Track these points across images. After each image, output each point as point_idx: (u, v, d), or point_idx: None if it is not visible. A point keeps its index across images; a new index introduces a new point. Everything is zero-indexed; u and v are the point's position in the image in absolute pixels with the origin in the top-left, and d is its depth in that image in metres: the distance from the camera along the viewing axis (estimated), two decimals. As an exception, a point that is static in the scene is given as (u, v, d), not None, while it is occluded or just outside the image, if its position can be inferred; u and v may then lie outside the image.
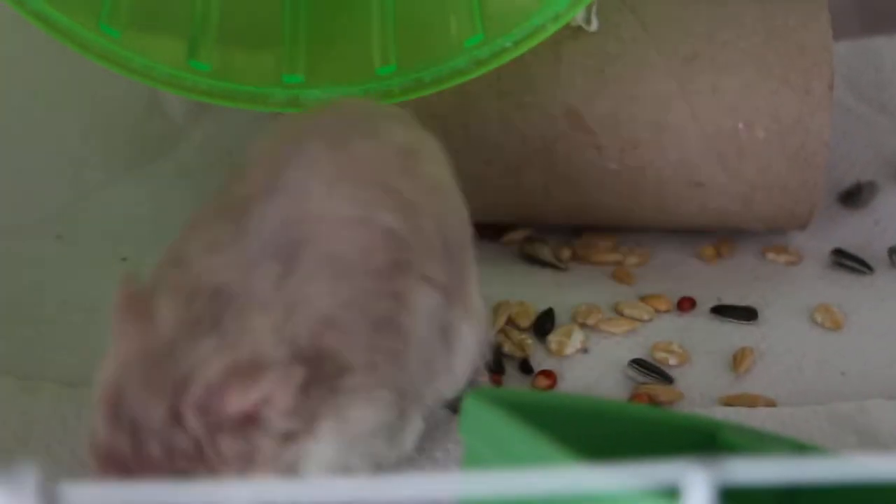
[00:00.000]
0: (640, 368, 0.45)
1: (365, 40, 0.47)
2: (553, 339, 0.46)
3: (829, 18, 0.50)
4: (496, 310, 0.47)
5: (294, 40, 0.48)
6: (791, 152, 0.49)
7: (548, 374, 0.45)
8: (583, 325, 0.47)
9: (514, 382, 0.45)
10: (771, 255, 0.52)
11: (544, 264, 0.51)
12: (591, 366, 0.45)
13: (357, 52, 0.47)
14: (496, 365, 0.45)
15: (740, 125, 0.49)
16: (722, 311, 0.48)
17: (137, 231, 0.52)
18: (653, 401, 0.44)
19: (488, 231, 0.53)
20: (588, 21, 0.50)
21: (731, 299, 0.49)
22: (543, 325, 0.47)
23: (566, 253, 0.52)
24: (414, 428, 0.39)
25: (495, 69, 0.47)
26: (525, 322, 0.47)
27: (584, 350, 0.46)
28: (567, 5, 0.45)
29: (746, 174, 0.50)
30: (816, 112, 0.49)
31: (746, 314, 0.48)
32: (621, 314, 0.48)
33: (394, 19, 0.48)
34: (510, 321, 0.47)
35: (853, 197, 0.55)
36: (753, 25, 0.50)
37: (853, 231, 0.53)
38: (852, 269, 0.51)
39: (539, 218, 0.52)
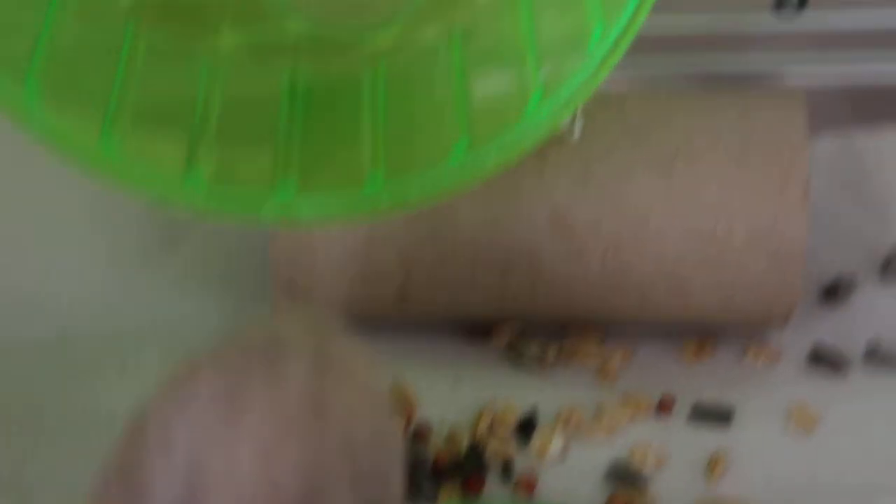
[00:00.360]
0: (617, 473, 0.47)
1: (354, 144, 0.49)
2: (535, 442, 0.48)
3: (805, 121, 0.51)
4: (482, 410, 0.49)
5: (288, 144, 0.49)
6: (769, 253, 0.51)
7: (528, 482, 0.46)
8: (565, 427, 0.48)
9: (496, 486, 0.46)
10: (751, 354, 0.53)
11: (531, 363, 0.53)
12: (571, 469, 0.47)
13: (346, 156, 0.49)
14: (479, 467, 0.47)
15: (719, 227, 0.51)
16: (699, 414, 0.50)
17: (139, 336, 0.53)
18: (629, 506, 0.45)
19: (477, 331, 0.55)
20: (571, 127, 0.51)
21: (710, 397, 0.50)
22: (526, 426, 0.48)
23: (552, 351, 0.53)
24: None
25: (483, 177, 0.49)
26: (509, 423, 0.48)
27: (565, 454, 0.48)
28: (547, 118, 0.46)
29: (726, 274, 0.51)
30: (792, 214, 0.51)
31: (722, 417, 0.49)
32: (603, 416, 0.49)
33: (384, 123, 0.50)
34: (495, 422, 0.49)
35: (833, 293, 0.56)
36: (731, 130, 0.52)
37: (832, 327, 0.55)
38: (829, 368, 0.53)
39: (526, 317, 0.54)
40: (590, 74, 0.46)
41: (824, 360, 0.53)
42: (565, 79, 0.46)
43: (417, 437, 0.48)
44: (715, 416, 0.49)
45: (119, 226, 0.57)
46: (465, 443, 0.48)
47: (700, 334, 0.54)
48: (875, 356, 0.53)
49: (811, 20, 0.58)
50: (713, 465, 0.47)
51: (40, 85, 0.45)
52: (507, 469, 0.47)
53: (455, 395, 0.50)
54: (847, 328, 0.55)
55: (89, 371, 0.51)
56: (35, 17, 0.48)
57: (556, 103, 0.46)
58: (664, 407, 0.50)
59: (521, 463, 0.47)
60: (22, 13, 0.48)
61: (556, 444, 0.47)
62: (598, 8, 0.46)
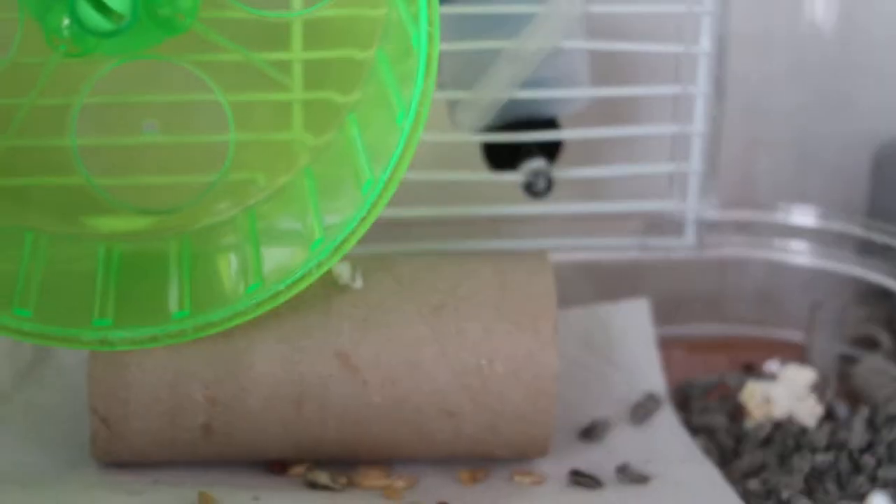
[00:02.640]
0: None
1: (163, 292, 0.57)
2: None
3: (552, 273, 0.60)
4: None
5: (105, 294, 0.57)
6: (526, 383, 0.59)
7: None
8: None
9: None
10: (518, 478, 0.61)
11: (324, 489, 0.59)
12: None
13: (156, 301, 0.56)
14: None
15: (483, 361, 0.59)
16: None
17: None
18: None
19: (275, 466, 0.61)
20: (353, 279, 0.60)
21: (484, 505, 0.58)
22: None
23: (343, 479, 0.60)
24: None
25: (276, 318, 0.57)
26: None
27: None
28: (327, 256, 0.55)
29: (490, 404, 0.59)
30: (545, 349, 0.59)
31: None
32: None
33: (189, 276, 0.57)
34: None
35: (590, 433, 0.64)
36: (489, 280, 0.60)
37: (589, 457, 0.63)
38: (586, 486, 0.60)
39: (318, 452, 0.60)
40: (361, 218, 0.55)
41: (582, 480, 0.60)
42: (342, 224, 0.55)
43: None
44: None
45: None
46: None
47: (474, 464, 0.62)
48: (625, 474, 0.61)
49: (555, 205, 0.69)
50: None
51: None
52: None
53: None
54: (602, 458, 0.62)
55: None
56: None
57: (333, 245, 0.55)
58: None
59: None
60: None
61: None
62: (368, 165, 0.55)
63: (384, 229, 0.62)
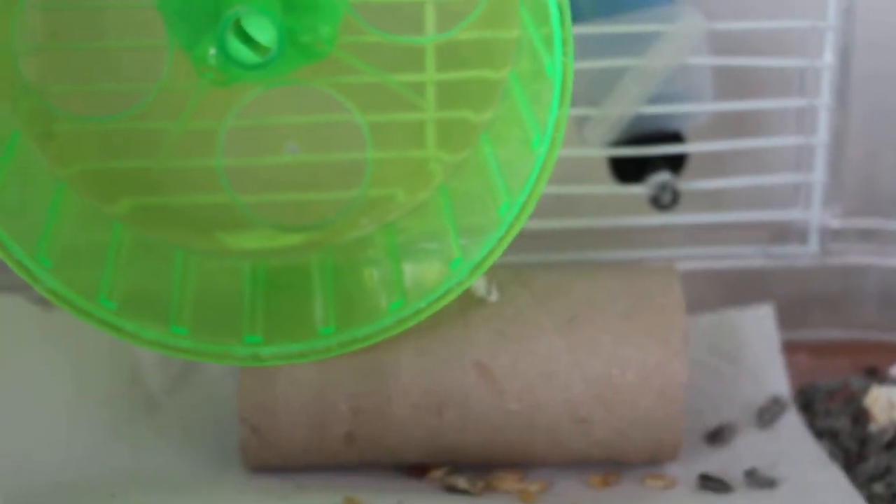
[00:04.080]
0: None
1: (309, 308, 0.60)
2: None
3: (679, 285, 0.63)
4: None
5: (253, 310, 0.60)
6: (656, 391, 0.61)
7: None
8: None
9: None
10: (649, 481, 0.63)
11: (461, 493, 0.62)
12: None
13: (303, 316, 0.59)
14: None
15: (614, 371, 0.61)
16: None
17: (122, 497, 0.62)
18: None
19: (414, 471, 0.64)
20: (489, 293, 0.62)
21: (616, 510, 0.60)
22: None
23: (480, 484, 0.62)
24: None
25: (417, 331, 0.60)
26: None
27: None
28: (466, 275, 0.57)
29: (621, 411, 0.61)
30: (674, 359, 0.61)
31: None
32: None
33: (332, 292, 0.60)
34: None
35: (717, 436, 0.66)
36: (621, 293, 0.63)
37: (717, 461, 0.65)
38: (716, 490, 0.62)
39: (457, 457, 0.63)
40: (499, 239, 0.57)
41: (711, 484, 0.62)
42: (480, 244, 0.58)
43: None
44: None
45: (100, 397, 0.66)
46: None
47: (605, 468, 0.64)
48: (753, 477, 0.63)
49: (681, 216, 0.71)
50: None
51: (46, 258, 0.56)
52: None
53: (399, 509, 0.59)
54: (729, 462, 0.64)
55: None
56: (41, 208, 0.59)
57: (472, 265, 0.58)
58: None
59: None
60: (29, 206, 0.58)
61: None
62: (504, 186, 0.58)
63: (517, 240, 0.64)
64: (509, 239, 0.57)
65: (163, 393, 0.68)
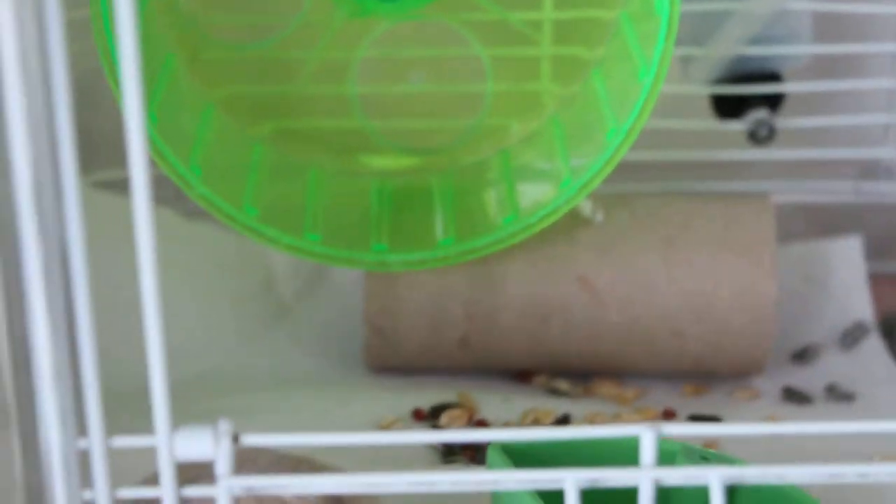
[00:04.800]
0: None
1: (430, 222, 0.66)
2: (567, 430, 0.62)
3: (772, 212, 0.68)
4: (526, 412, 0.64)
5: (380, 223, 0.66)
6: (747, 308, 0.66)
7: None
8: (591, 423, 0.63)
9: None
10: (737, 393, 0.69)
11: (564, 395, 0.68)
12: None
13: (424, 229, 0.65)
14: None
15: (709, 287, 0.67)
16: (694, 418, 0.64)
17: (257, 392, 0.68)
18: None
19: (521, 376, 0.70)
20: (594, 213, 0.68)
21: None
22: (561, 422, 0.63)
23: (580, 388, 0.68)
24: None
25: (527, 246, 0.65)
26: (547, 420, 0.63)
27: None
28: (575, 194, 0.63)
29: (714, 326, 0.67)
30: (765, 277, 0.66)
31: (713, 418, 0.64)
32: (620, 419, 0.64)
33: (452, 208, 0.66)
34: (536, 419, 0.63)
35: (802, 355, 0.72)
36: (716, 216, 0.68)
37: (800, 377, 0.70)
38: (797, 401, 0.68)
39: (560, 364, 0.69)
40: (605, 161, 0.63)
41: (794, 396, 0.68)
42: (588, 165, 0.63)
43: (479, 425, 0.63)
44: (708, 419, 0.64)
45: (238, 302, 0.73)
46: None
47: (696, 379, 0.69)
48: (832, 392, 0.68)
49: (777, 151, 0.76)
50: (708, 446, 0.61)
51: (198, 168, 0.62)
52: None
53: (506, 405, 0.65)
54: (811, 379, 0.70)
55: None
56: (192, 125, 0.65)
57: (580, 184, 0.63)
58: (668, 415, 0.65)
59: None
60: (182, 123, 0.65)
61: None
62: (612, 114, 0.63)
63: (620, 170, 0.69)
64: (615, 161, 0.62)
65: (293, 300, 0.74)
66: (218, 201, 0.63)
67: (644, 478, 0.45)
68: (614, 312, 0.67)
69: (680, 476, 0.45)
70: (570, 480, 0.45)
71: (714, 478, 0.45)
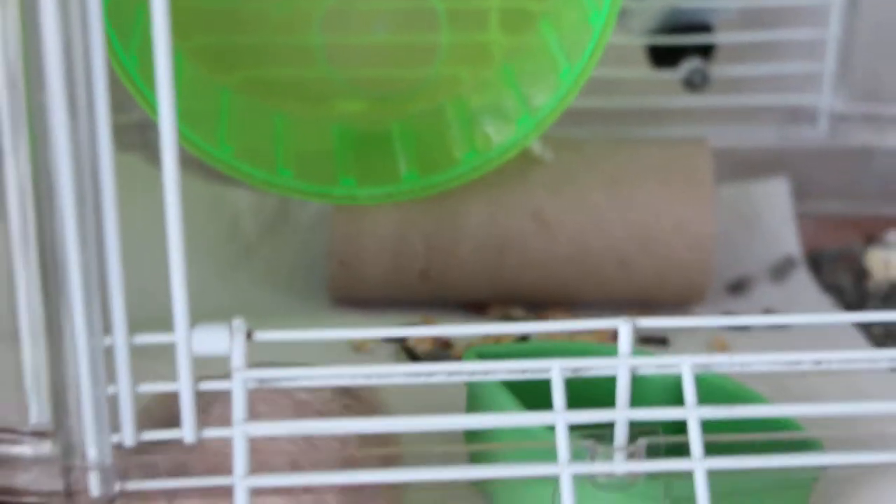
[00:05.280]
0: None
1: (393, 160, 0.70)
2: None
3: (710, 153, 0.73)
4: (486, 337, 0.68)
5: (346, 162, 0.70)
6: (689, 236, 0.71)
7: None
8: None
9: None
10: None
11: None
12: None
13: (388, 166, 0.69)
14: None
15: (652, 220, 0.71)
16: (642, 340, 0.69)
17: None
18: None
19: (473, 308, 0.74)
20: (545, 154, 0.72)
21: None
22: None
23: (533, 318, 0.73)
24: None
25: (484, 183, 0.70)
26: (507, 340, 0.68)
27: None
28: (531, 130, 0.67)
29: (657, 256, 0.72)
30: (705, 212, 0.71)
31: (660, 342, 0.69)
32: (575, 338, 0.69)
33: (414, 148, 0.70)
34: (496, 341, 0.68)
35: (737, 287, 0.77)
36: (659, 157, 0.73)
37: (737, 307, 0.75)
38: (737, 329, 0.73)
39: (514, 295, 0.73)
40: (560, 98, 0.67)
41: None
42: (543, 104, 0.68)
43: (444, 346, 0.67)
44: (655, 341, 0.69)
45: (206, 245, 0.76)
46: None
47: (642, 308, 0.74)
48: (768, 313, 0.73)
49: (709, 98, 0.81)
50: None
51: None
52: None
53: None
54: (748, 308, 0.75)
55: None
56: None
57: (535, 121, 0.68)
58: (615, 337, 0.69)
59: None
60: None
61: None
62: (564, 57, 0.68)
63: (565, 117, 0.74)
64: (570, 99, 0.67)
65: (258, 240, 0.78)
66: (195, 138, 0.66)
67: (622, 366, 0.49)
68: (565, 245, 0.72)
69: (654, 364, 0.50)
70: (557, 369, 0.49)
71: (686, 366, 0.50)
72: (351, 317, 0.72)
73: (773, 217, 0.80)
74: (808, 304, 0.75)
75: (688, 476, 0.48)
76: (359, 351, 0.67)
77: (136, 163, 0.77)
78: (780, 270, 0.78)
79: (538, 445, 0.50)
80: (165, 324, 0.56)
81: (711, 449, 0.48)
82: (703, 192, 0.72)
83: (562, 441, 0.48)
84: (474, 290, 0.73)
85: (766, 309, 0.74)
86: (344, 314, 0.73)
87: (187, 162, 0.74)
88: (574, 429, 0.49)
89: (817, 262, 0.80)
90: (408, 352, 0.67)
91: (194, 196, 0.76)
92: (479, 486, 0.55)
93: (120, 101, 0.60)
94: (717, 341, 0.70)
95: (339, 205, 0.71)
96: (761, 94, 0.82)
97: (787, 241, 0.80)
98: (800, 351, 0.50)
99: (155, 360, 0.50)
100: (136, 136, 0.78)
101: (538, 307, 0.74)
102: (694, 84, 0.79)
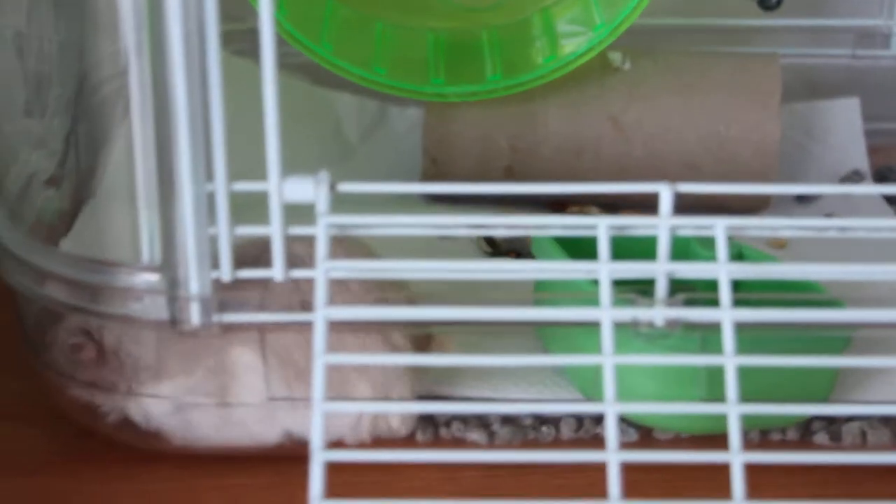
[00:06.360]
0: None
1: (480, 64, 0.76)
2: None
3: (778, 66, 0.78)
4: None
5: (437, 64, 0.76)
6: (754, 144, 0.77)
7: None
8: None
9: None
10: (745, 222, 0.79)
11: (594, 220, 0.78)
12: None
13: (476, 69, 0.76)
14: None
15: (720, 127, 0.77)
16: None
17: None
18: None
19: (553, 206, 0.80)
20: (623, 63, 0.78)
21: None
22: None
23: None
24: None
25: (564, 88, 0.76)
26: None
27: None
28: (607, 36, 0.73)
29: (725, 159, 0.77)
30: (771, 120, 0.76)
31: (722, 236, 0.75)
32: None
33: (499, 54, 0.76)
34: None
35: (805, 198, 0.82)
36: (730, 68, 0.78)
37: (802, 213, 0.80)
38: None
39: (590, 196, 0.79)
40: (634, 6, 0.73)
41: (793, 225, 0.78)
42: (619, 12, 0.73)
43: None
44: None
45: (311, 144, 0.83)
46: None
47: (710, 213, 0.79)
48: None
49: (783, 19, 0.86)
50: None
51: (285, 9, 0.73)
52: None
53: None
54: (813, 214, 0.80)
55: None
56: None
57: (612, 27, 0.73)
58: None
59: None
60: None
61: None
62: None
63: (643, 34, 0.79)
64: (642, 7, 0.73)
65: (358, 142, 0.85)
66: (299, 35, 0.73)
67: (662, 225, 0.55)
68: (638, 148, 0.77)
69: (691, 225, 0.56)
70: (603, 226, 0.55)
71: (720, 227, 0.55)
72: (441, 209, 0.79)
73: (843, 133, 0.85)
74: (872, 214, 0.80)
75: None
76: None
77: (250, 66, 0.84)
78: (848, 183, 0.82)
79: (585, 296, 0.57)
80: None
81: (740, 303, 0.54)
82: (771, 101, 0.77)
83: (605, 288, 0.54)
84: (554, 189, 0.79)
85: (828, 214, 0.79)
86: (434, 209, 0.79)
87: (295, 67, 0.82)
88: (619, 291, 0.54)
89: (885, 178, 0.84)
90: (487, 240, 0.74)
91: (301, 98, 0.83)
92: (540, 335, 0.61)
93: (235, 11, 0.67)
94: (775, 239, 0.75)
95: (430, 109, 0.77)
96: (834, 17, 0.87)
97: (856, 156, 0.84)
98: (827, 222, 0.55)
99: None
100: (249, 42, 0.85)
101: (612, 207, 0.80)
102: (768, 3, 0.84)
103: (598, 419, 0.63)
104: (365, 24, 0.78)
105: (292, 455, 0.58)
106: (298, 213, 0.56)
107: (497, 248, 0.73)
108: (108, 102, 0.61)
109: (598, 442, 0.62)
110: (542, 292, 0.62)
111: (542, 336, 0.64)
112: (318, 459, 0.50)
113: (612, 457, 0.50)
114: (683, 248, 0.62)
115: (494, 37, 0.78)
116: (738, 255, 0.63)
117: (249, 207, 0.56)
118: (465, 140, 0.78)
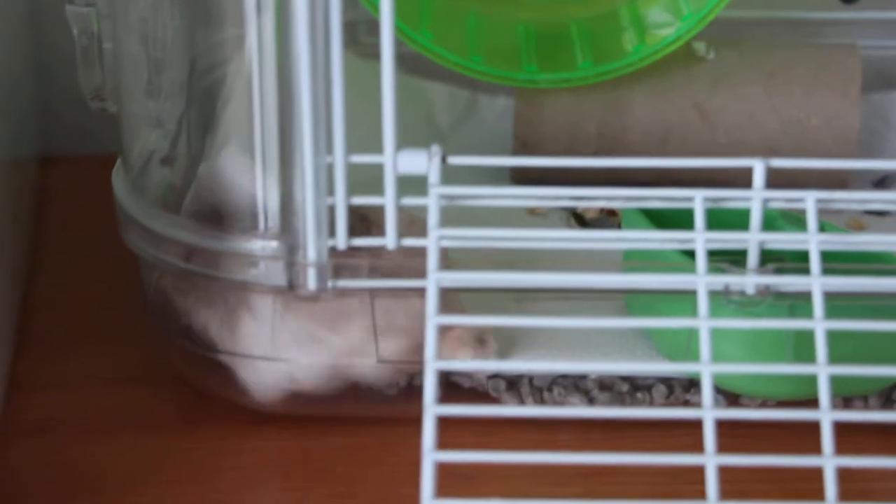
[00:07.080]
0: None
1: (571, 53, 0.79)
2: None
3: (859, 56, 0.80)
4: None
5: (528, 52, 0.79)
6: (835, 131, 0.79)
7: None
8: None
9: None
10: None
11: (678, 204, 0.81)
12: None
13: (566, 58, 0.79)
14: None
15: (802, 115, 0.80)
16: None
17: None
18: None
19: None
20: (707, 52, 0.81)
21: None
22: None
23: (692, 200, 0.82)
24: None
25: (651, 77, 0.79)
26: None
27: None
28: (694, 25, 0.76)
29: (806, 147, 0.80)
30: (851, 109, 0.79)
31: (804, 218, 0.77)
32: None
33: (589, 45, 0.79)
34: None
35: (882, 182, 0.84)
36: (811, 58, 0.81)
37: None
38: (878, 214, 0.80)
39: (676, 180, 0.82)
40: (717, 1, 0.76)
41: (874, 211, 0.80)
42: (704, 5, 0.76)
43: (611, 214, 0.77)
44: (798, 217, 0.77)
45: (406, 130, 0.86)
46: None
47: (790, 196, 0.82)
48: (906, 206, 0.81)
49: (863, 12, 0.89)
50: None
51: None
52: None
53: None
54: (890, 200, 0.83)
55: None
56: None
57: (698, 17, 0.76)
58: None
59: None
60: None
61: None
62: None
63: (726, 26, 0.82)
64: (723, 5, 0.76)
65: (449, 131, 0.88)
66: (400, 24, 0.76)
67: (755, 197, 0.58)
68: (722, 135, 0.80)
69: (783, 198, 0.59)
70: (699, 197, 0.58)
71: (810, 200, 0.58)
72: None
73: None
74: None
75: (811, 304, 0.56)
76: (534, 214, 0.77)
77: (348, 57, 0.87)
78: (924, 171, 0.85)
79: (675, 265, 0.60)
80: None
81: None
82: (851, 90, 0.79)
83: (700, 257, 0.57)
84: (640, 173, 0.82)
85: (905, 199, 0.82)
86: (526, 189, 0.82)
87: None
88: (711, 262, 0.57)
89: (959, 167, 0.87)
90: (576, 217, 0.77)
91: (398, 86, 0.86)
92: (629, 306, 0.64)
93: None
94: (854, 222, 0.78)
95: (520, 96, 0.80)
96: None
97: (935, 147, 0.87)
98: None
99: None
100: (346, 35, 0.88)
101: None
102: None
103: (687, 387, 0.66)
104: (458, 14, 0.82)
105: (400, 416, 0.62)
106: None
107: (586, 226, 0.77)
108: (216, 86, 0.64)
109: (688, 407, 0.65)
110: (631, 261, 0.65)
111: (630, 307, 0.67)
112: (431, 413, 0.53)
113: (708, 414, 0.53)
114: (769, 224, 0.65)
115: (583, 28, 0.82)
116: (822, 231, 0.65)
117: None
118: (554, 126, 0.81)
